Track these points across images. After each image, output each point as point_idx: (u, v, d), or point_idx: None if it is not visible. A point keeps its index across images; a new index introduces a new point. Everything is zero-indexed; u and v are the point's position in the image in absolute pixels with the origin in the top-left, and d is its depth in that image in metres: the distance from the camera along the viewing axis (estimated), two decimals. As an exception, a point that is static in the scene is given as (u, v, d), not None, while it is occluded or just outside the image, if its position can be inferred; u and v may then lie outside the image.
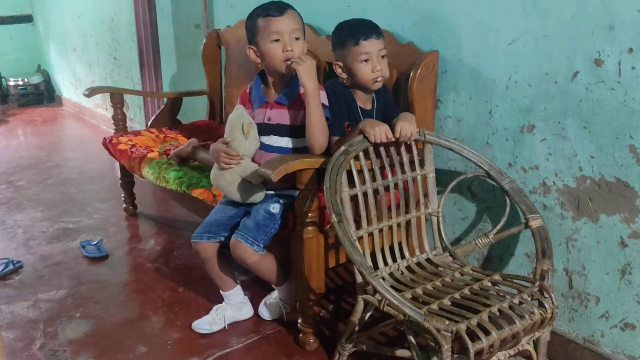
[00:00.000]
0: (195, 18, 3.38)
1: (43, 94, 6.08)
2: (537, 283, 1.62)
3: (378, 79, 1.83)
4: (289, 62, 1.80)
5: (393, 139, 1.76)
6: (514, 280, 1.68)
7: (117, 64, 4.64)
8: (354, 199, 1.72)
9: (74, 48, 5.39)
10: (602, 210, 1.69)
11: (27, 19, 6.13)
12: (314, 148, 1.80)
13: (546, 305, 1.55)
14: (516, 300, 1.55)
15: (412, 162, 1.85)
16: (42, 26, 6.03)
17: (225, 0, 3.08)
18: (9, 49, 6.06)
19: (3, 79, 5.95)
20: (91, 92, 2.91)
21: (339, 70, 1.88)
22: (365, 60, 1.81)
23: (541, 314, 1.53)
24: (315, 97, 1.77)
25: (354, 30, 1.82)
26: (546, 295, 1.58)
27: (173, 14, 3.64)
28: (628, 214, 1.63)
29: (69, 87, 5.78)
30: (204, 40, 3.01)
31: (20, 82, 5.94)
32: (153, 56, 3.84)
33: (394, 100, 1.98)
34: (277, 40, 1.81)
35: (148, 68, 3.89)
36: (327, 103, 1.84)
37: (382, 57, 1.84)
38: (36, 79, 6.04)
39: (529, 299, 1.58)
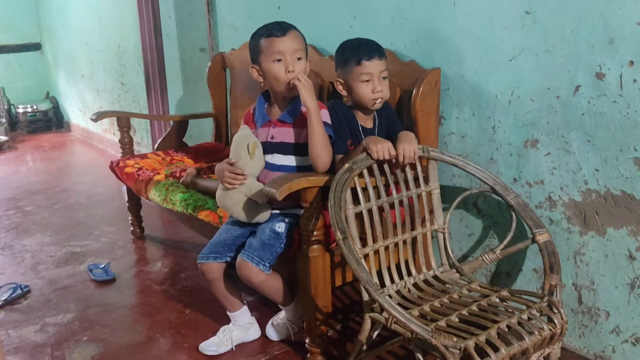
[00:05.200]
0: (200, 42, 3.43)
1: (52, 120, 6.14)
2: (546, 298, 1.60)
3: (377, 100, 1.84)
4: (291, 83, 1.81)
5: (395, 157, 1.77)
6: (522, 296, 1.66)
7: (124, 89, 4.70)
8: (359, 216, 1.72)
9: (82, 74, 5.46)
10: (609, 224, 1.68)
11: (36, 47, 6.22)
12: (317, 166, 1.81)
13: (555, 321, 1.53)
14: (525, 316, 1.53)
15: (416, 179, 1.85)
16: (50, 54, 6.12)
17: (229, 24, 3.12)
18: (18, 76, 6.15)
19: (12, 107, 6.03)
20: (98, 116, 2.94)
21: (339, 88, 1.90)
22: (367, 81, 1.83)
23: (550, 330, 1.51)
24: (317, 115, 1.79)
25: (356, 50, 1.84)
26: (555, 310, 1.57)
27: (178, 38, 3.69)
28: (635, 227, 1.62)
29: (78, 113, 5.85)
30: (209, 64, 3.05)
31: (29, 109, 6.00)
32: (159, 80, 3.88)
33: (396, 116, 1.99)
34: (279, 60, 1.83)
35: (154, 92, 3.93)
36: (329, 121, 1.86)
37: (384, 78, 1.85)
38: (45, 106, 6.10)
39: (538, 314, 1.56)
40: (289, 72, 1.82)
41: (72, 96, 5.87)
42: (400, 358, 1.95)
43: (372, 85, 1.83)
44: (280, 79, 1.84)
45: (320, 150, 1.79)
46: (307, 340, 1.94)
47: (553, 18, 1.69)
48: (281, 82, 1.84)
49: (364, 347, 1.71)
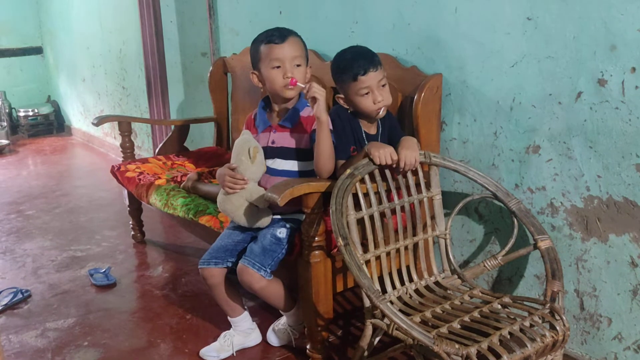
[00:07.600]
0: (202, 46, 3.43)
1: (53, 124, 6.15)
2: (548, 305, 1.60)
3: (381, 110, 1.84)
4: (305, 90, 1.78)
5: (397, 162, 1.77)
6: (525, 303, 1.66)
7: (125, 92, 4.70)
8: (360, 222, 1.72)
9: (83, 78, 5.47)
10: (611, 230, 1.67)
11: (37, 50, 6.24)
12: (321, 174, 1.81)
13: (557, 328, 1.53)
14: (527, 323, 1.53)
15: (418, 185, 1.85)
16: (51, 57, 6.13)
17: (230, 29, 3.12)
18: (20, 80, 6.16)
19: (13, 110, 6.04)
20: (99, 120, 2.94)
21: (341, 102, 1.90)
22: (366, 93, 1.82)
23: (553, 337, 1.51)
24: (327, 127, 1.78)
25: (350, 66, 1.82)
26: (557, 317, 1.56)
27: (180, 42, 3.69)
28: (637, 233, 1.61)
29: (79, 116, 5.85)
30: (211, 68, 3.05)
31: (31, 113, 6.01)
32: (160, 84, 3.89)
33: (398, 124, 2.00)
34: (278, 67, 1.84)
35: (156, 96, 3.93)
36: (331, 127, 1.85)
37: (383, 85, 1.84)
38: (46, 110, 6.11)
39: (540, 321, 1.56)
40: (286, 77, 1.82)
41: (73, 100, 5.88)
42: (401, 364, 1.95)
43: (373, 96, 1.82)
44: (279, 84, 1.84)
45: (326, 160, 1.79)
46: (308, 346, 1.93)
47: (555, 24, 1.69)
48: (280, 87, 1.84)
49: (365, 353, 1.71)
